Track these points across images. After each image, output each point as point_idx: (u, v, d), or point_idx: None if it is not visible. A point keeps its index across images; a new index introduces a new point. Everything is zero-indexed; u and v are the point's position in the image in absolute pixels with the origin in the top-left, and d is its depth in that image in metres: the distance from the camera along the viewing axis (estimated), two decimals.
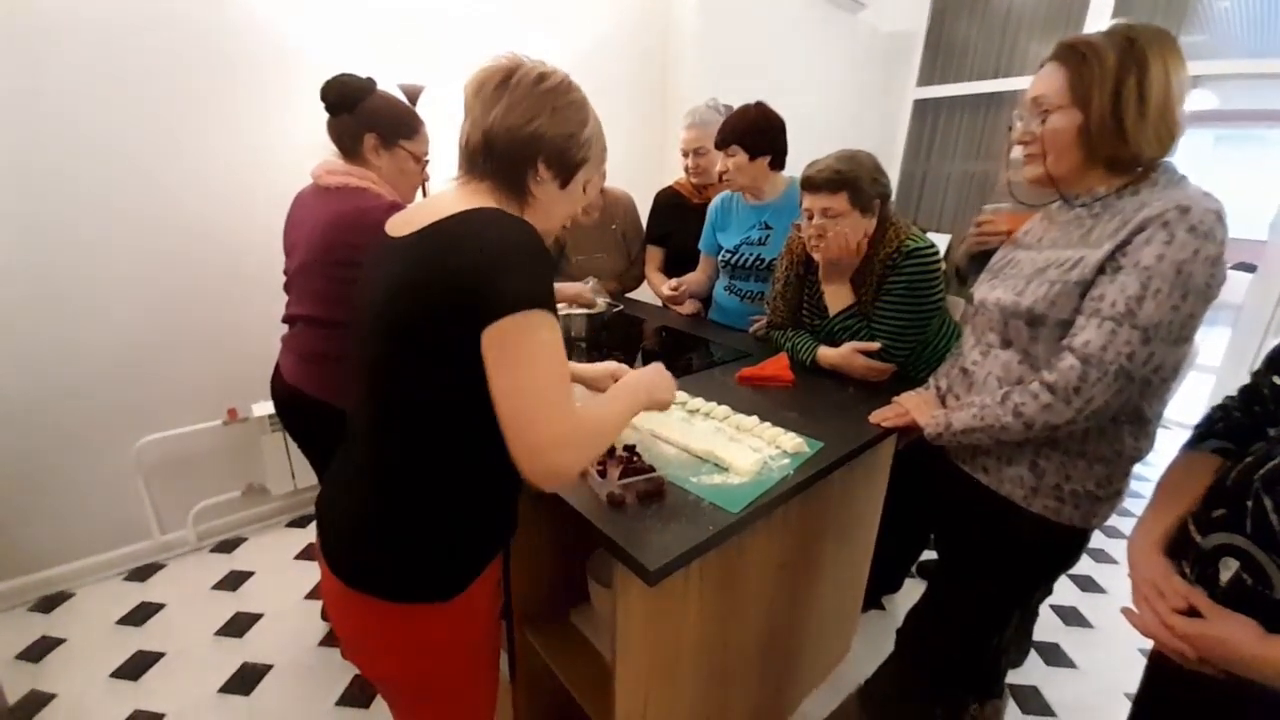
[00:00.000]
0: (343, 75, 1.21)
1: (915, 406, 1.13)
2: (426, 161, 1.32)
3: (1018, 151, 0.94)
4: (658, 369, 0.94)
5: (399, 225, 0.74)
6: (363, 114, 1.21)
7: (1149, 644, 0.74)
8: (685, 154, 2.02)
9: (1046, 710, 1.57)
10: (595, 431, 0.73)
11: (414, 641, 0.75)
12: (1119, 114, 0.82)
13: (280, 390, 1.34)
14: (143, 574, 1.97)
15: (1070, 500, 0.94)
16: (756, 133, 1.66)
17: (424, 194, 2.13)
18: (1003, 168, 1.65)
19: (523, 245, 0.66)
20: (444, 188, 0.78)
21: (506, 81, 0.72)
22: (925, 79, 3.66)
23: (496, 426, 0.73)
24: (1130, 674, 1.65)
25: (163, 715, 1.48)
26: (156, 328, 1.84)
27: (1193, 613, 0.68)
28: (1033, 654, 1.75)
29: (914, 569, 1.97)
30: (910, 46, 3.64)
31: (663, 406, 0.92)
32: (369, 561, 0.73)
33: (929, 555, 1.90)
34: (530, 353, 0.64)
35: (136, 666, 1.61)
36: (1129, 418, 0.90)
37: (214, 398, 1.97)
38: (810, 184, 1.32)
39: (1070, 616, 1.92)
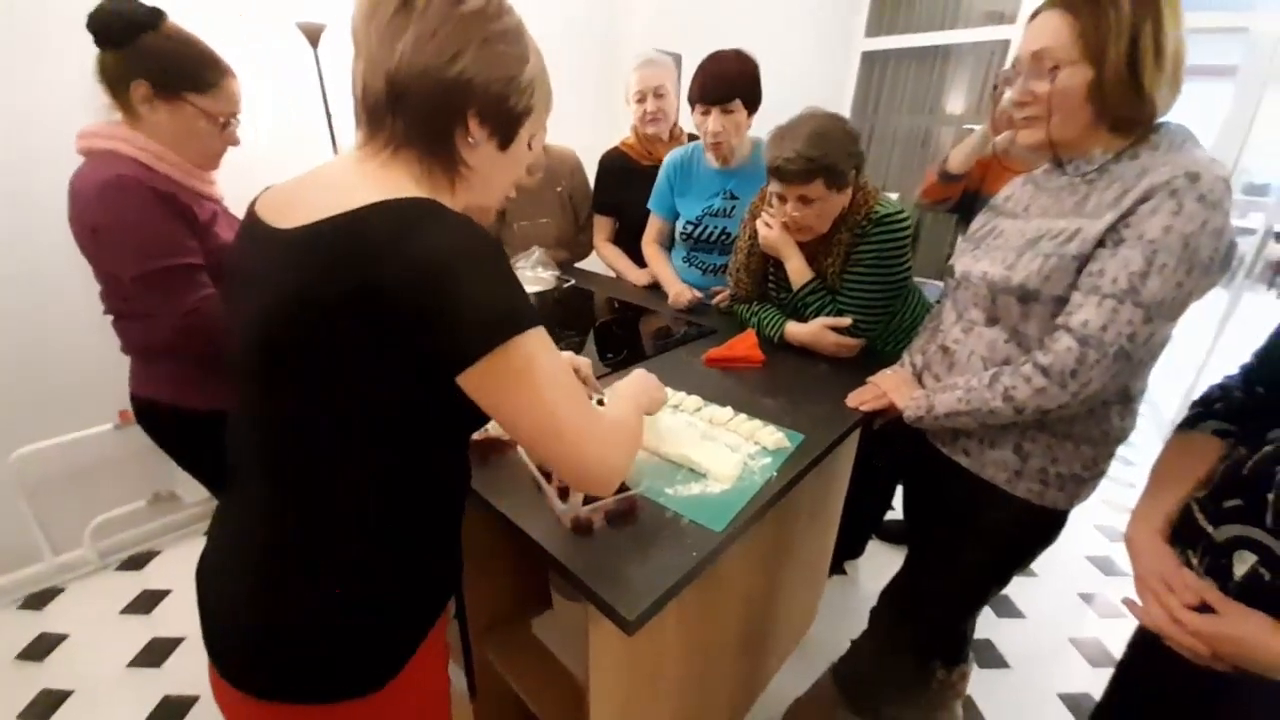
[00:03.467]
0: (117, 2, 0.94)
1: (893, 387, 1.07)
2: (228, 123, 1.06)
3: (1015, 111, 0.85)
4: (645, 377, 0.86)
5: (278, 208, 0.56)
6: (135, 54, 0.95)
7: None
8: (641, 98, 1.77)
9: (1001, 662, 1.63)
10: (629, 431, 0.69)
11: None
12: (1135, 67, 0.73)
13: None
14: (39, 601, 1.73)
15: (1055, 483, 0.91)
16: (755, 84, 1.48)
17: (336, 147, 1.87)
18: (986, 129, 1.58)
19: (474, 255, 0.50)
20: (341, 156, 0.60)
21: (412, 1, 0.53)
22: (873, 30, 3.55)
23: (428, 455, 0.60)
24: (1073, 619, 1.77)
25: None
26: (18, 328, 1.55)
27: (1203, 607, 0.65)
28: (985, 607, 1.81)
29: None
30: None
31: (653, 413, 0.87)
32: (265, 657, 0.57)
33: (891, 516, 1.92)
34: (532, 383, 0.53)
35: (43, 708, 1.42)
36: (1117, 398, 0.86)
37: (101, 399, 1.70)
38: (782, 175, 1.17)
39: None
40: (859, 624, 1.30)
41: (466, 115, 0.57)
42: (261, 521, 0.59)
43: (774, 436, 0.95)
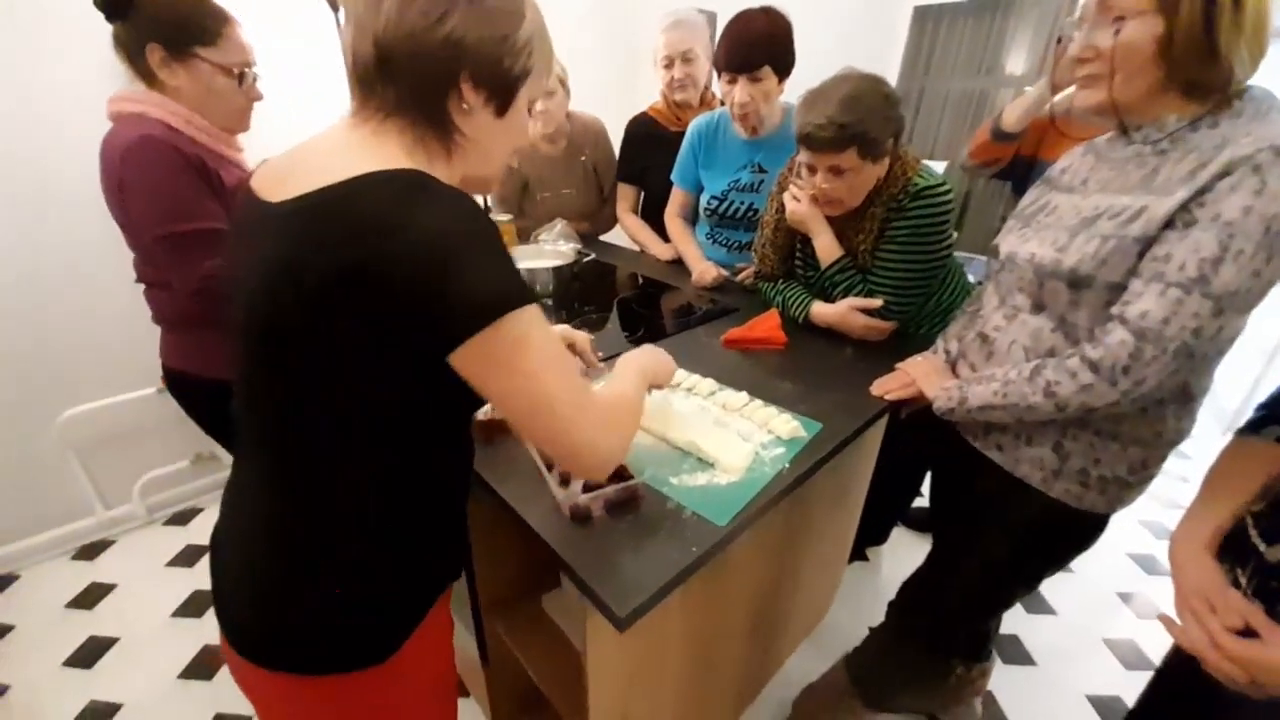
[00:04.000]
0: None
1: (923, 375, 1.00)
2: (244, 74, 1.04)
3: (1075, 68, 0.76)
4: (653, 350, 0.83)
5: (271, 182, 0.54)
6: (139, 20, 0.94)
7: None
8: (669, 63, 1.66)
9: (1027, 659, 1.57)
10: (628, 410, 0.68)
11: (342, 716, 0.62)
12: (1211, 22, 0.64)
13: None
14: (91, 552, 1.85)
15: (1096, 486, 0.84)
16: (786, 47, 1.37)
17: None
18: (1045, 87, 1.44)
19: (467, 232, 0.48)
20: (333, 125, 0.57)
21: None
22: None
23: (428, 455, 0.59)
24: (1108, 618, 1.69)
25: (120, 706, 1.40)
26: (62, 295, 1.62)
27: (1247, 631, 0.59)
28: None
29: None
30: None
31: (662, 386, 0.86)
32: (272, 627, 0.58)
33: (918, 502, 1.85)
34: (526, 363, 0.51)
35: (89, 653, 1.52)
36: (1174, 397, 0.78)
37: (143, 366, 1.76)
38: (812, 143, 1.08)
39: None
40: (877, 612, 1.26)
41: (459, 79, 0.53)
42: (261, 521, 0.59)
43: (789, 425, 0.90)
